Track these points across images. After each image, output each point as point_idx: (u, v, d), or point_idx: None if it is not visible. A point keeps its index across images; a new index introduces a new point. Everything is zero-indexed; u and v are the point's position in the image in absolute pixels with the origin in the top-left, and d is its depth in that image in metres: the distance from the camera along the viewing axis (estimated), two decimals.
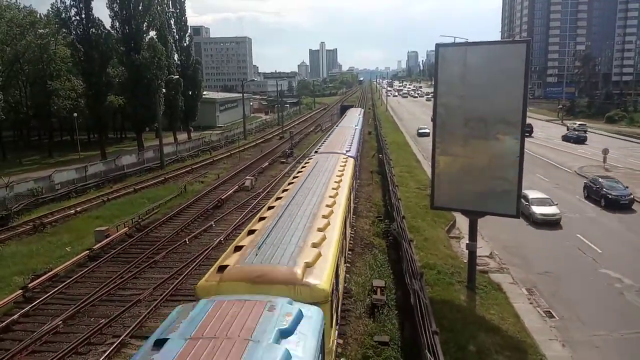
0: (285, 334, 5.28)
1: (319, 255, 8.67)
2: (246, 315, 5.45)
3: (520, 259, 21.09)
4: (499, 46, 15.41)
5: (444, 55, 14.30)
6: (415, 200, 28.58)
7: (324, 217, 11.12)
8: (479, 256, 19.02)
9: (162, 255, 20.80)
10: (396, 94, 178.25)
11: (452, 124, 13.53)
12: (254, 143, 60.80)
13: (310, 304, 6.59)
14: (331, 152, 24.25)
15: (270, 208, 12.85)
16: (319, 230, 10.10)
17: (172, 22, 60.99)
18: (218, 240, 22.29)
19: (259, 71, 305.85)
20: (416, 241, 19.71)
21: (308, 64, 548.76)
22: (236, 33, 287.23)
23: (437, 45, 14.77)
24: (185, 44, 62.98)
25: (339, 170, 17.73)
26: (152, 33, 51.95)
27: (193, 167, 43.21)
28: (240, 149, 53.03)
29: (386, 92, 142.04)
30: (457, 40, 41.90)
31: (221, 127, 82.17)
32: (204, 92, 75.50)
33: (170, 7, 60.70)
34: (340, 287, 11.37)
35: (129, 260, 20.45)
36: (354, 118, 51.84)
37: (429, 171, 32.57)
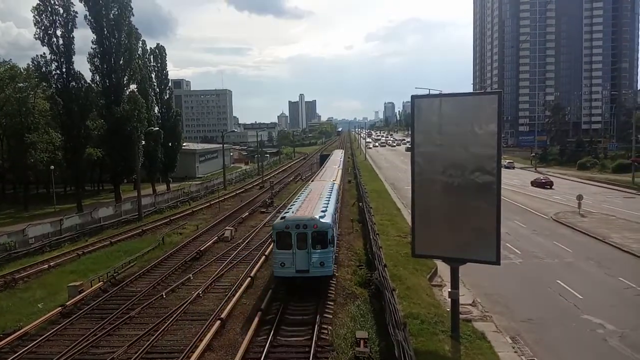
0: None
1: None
2: None
3: (503, 306, 20.99)
4: (471, 97, 15.96)
5: (419, 106, 14.72)
6: (397, 248, 28.53)
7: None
8: (462, 304, 18.86)
9: (138, 310, 20.14)
10: (376, 144, 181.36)
11: (431, 172, 13.77)
12: (234, 193, 60.62)
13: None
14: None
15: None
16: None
17: (153, 76, 61.86)
18: (196, 293, 21.74)
19: (239, 122, 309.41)
20: (398, 290, 19.50)
21: (287, 114, 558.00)
22: (216, 86, 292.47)
23: (413, 97, 15.21)
24: (165, 97, 63.66)
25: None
26: (133, 86, 52.54)
27: (172, 218, 42.66)
28: (220, 199, 52.74)
29: (365, 143, 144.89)
30: (432, 92, 43.28)
31: (201, 177, 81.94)
32: (184, 143, 75.74)
33: (152, 61, 61.76)
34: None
35: (103, 316, 19.73)
36: (333, 168, 53.12)
37: (409, 219, 32.71)
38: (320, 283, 20.43)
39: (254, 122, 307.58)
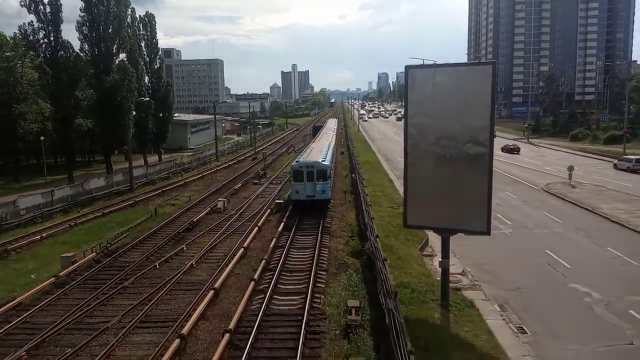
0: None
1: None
2: None
3: (492, 275, 21.32)
4: (465, 68, 15.80)
5: (413, 77, 14.58)
6: (389, 219, 28.73)
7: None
8: (452, 273, 19.13)
9: (131, 280, 20.27)
10: (370, 115, 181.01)
11: (424, 143, 13.76)
12: (227, 164, 60.45)
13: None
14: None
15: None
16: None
17: (143, 45, 60.67)
18: (190, 263, 21.88)
19: (231, 93, 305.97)
20: (390, 260, 19.73)
21: (280, 85, 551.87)
22: (207, 55, 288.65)
23: (407, 67, 15.04)
24: (156, 66, 62.62)
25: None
26: (122, 55, 51.57)
27: (164, 189, 42.59)
28: (213, 170, 52.62)
29: (359, 115, 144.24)
30: (426, 62, 42.91)
31: (193, 148, 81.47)
32: (175, 114, 75.00)
33: (141, 29, 60.50)
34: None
35: (96, 286, 19.84)
36: (328, 134, 58.26)
37: (401, 190, 32.94)
38: (322, 204, 31.42)
39: (246, 92, 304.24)
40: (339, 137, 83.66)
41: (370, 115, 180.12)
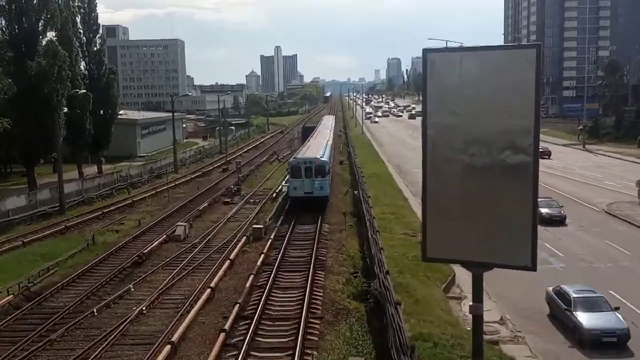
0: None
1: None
2: None
3: (539, 324, 21.34)
4: (502, 52, 15.88)
5: (433, 63, 14.58)
6: (403, 250, 28.79)
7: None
8: (487, 322, 19.14)
9: (61, 332, 20.09)
10: (378, 113, 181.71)
11: (447, 149, 13.70)
12: (189, 177, 60.46)
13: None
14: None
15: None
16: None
17: (78, 20, 60.86)
18: (138, 309, 21.74)
19: (195, 84, 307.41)
20: (405, 304, 19.72)
21: (259, 73, 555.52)
22: (164, 35, 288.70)
23: (425, 51, 15.09)
24: (95, 49, 62.79)
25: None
26: (51, 34, 51.67)
27: (105, 211, 42.44)
28: (170, 185, 52.54)
29: (363, 113, 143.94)
30: (450, 45, 43.41)
31: (144, 156, 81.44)
32: (121, 111, 75.01)
33: (76, 0, 60.78)
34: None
35: (13, 340, 19.64)
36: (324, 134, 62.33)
37: (419, 211, 33.16)
38: (321, 201, 38.73)
39: (214, 83, 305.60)
40: (337, 142, 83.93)
41: (379, 114, 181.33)
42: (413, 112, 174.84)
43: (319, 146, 49.29)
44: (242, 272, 26.68)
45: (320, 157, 41.02)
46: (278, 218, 37.51)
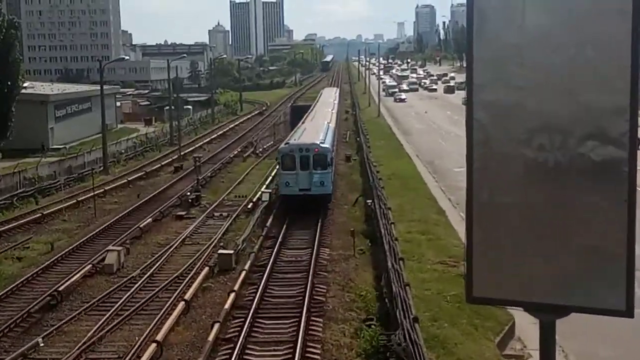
0: None
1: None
2: None
3: None
4: None
5: (483, 13, 14.42)
6: (438, 287, 28.73)
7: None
8: None
9: None
10: (404, 86, 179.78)
11: (504, 139, 13.56)
12: (125, 180, 60.31)
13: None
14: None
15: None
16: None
17: None
18: None
19: (134, 42, 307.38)
20: None
21: (229, 28, 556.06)
22: None
23: None
24: None
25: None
26: None
27: (1, 229, 42.40)
28: (98, 192, 52.47)
29: (380, 86, 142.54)
30: None
31: (59, 150, 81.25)
32: (26, 84, 74.95)
33: None
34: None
35: None
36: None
37: (461, 230, 33.18)
38: (321, 201, 42.25)
39: (162, 42, 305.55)
40: (343, 128, 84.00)
41: (404, 86, 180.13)
42: (452, 83, 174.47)
43: (319, 128, 52.72)
44: (202, 319, 26.69)
45: (321, 142, 44.33)
46: (256, 239, 37.51)
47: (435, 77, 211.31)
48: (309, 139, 46.03)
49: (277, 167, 46.33)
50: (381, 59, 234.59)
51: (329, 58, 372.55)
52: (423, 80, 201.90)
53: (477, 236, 13.04)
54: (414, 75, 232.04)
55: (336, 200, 46.56)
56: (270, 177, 55.78)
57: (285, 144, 46.28)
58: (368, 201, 42.65)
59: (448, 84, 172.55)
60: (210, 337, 24.04)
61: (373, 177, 48.69)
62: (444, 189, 52.51)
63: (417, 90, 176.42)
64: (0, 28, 63.24)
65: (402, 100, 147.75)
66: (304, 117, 69.80)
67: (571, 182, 12.22)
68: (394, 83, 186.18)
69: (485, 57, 12.26)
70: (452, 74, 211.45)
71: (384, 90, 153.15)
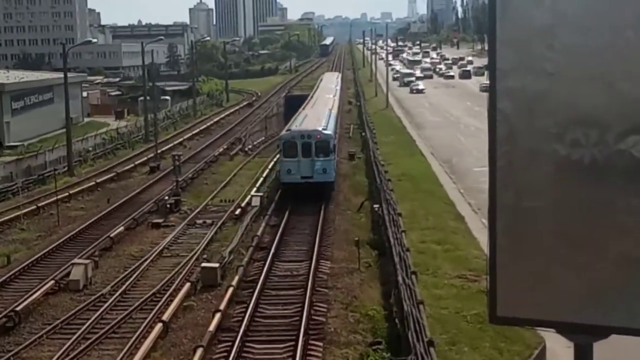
0: None
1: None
2: None
3: None
4: None
5: None
6: (456, 305, 28.72)
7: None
8: None
9: None
10: (418, 72, 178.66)
11: (531, 134, 13.52)
12: (93, 182, 60.26)
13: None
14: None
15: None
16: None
17: None
18: None
19: (102, 23, 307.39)
20: None
21: (212, 6, 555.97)
22: None
23: None
24: None
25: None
26: None
27: None
28: (62, 196, 52.46)
29: (388, 73, 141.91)
30: None
31: (16, 147, 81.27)
32: None
33: None
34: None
35: None
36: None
37: (483, 240, 33.41)
38: (323, 189, 47.07)
39: (135, 23, 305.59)
40: (346, 119, 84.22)
41: (418, 72, 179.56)
42: (469, 68, 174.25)
43: (321, 115, 58.95)
44: (183, 343, 26.72)
45: (323, 129, 50.31)
46: (245, 250, 37.53)
47: (450, 62, 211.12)
48: (311, 125, 51.59)
49: (278, 154, 52.06)
50: (389, 41, 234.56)
51: (328, 40, 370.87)
52: (438, 66, 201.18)
53: (501, 246, 13.07)
54: (427, 60, 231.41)
55: (338, 205, 46.57)
56: (262, 179, 55.79)
57: (287, 130, 52.03)
58: (375, 206, 42.65)
59: (464, 69, 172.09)
60: None
61: (380, 178, 48.60)
62: (463, 192, 52.45)
63: (431, 77, 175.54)
64: None
65: (420, 91, 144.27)
66: (304, 104, 73.11)
67: (609, 182, 12.20)
68: (409, 70, 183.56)
69: (510, 39, 12.28)
70: (471, 57, 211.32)
71: (396, 79, 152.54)
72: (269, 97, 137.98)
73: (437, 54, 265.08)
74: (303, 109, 68.98)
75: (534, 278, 12.58)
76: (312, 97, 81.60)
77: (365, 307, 29.25)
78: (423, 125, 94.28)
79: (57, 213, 48.51)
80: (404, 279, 26.94)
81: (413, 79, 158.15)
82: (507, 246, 12.86)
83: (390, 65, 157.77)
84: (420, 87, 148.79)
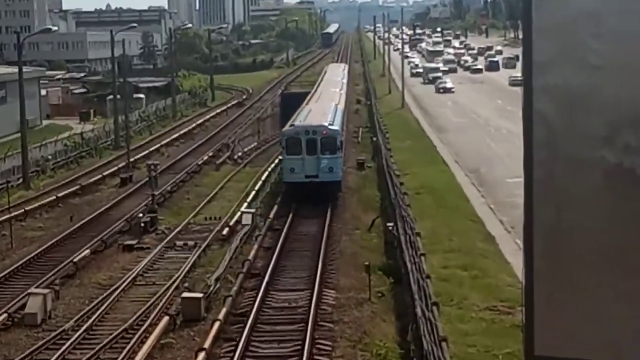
0: None
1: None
2: None
3: None
4: None
5: None
6: (485, 342, 28.77)
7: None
8: None
9: None
10: (442, 66, 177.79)
11: (575, 139, 13.40)
12: (53, 197, 60.25)
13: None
14: None
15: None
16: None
17: None
18: None
19: (64, 8, 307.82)
20: None
21: None
22: None
23: None
24: None
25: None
26: None
27: None
28: (16, 212, 52.47)
29: (404, 66, 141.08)
30: None
31: None
32: None
33: None
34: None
35: None
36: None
37: (517, 264, 33.38)
38: (330, 189, 50.51)
39: (103, 7, 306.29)
40: (350, 121, 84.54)
41: (441, 65, 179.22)
42: (497, 59, 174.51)
43: (326, 109, 63.98)
44: None
45: (329, 124, 54.85)
46: (235, 277, 37.48)
47: (476, 52, 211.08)
48: (316, 120, 56.22)
49: (281, 151, 55.41)
50: (405, 28, 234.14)
51: (332, 28, 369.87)
52: (463, 58, 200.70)
53: (539, 272, 12.95)
54: (450, 50, 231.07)
55: (344, 224, 46.48)
56: (254, 192, 55.73)
57: (290, 125, 56.35)
58: (389, 224, 42.61)
59: (492, 59, 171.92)
60: None
61: (395, 191, 48.46)
62: (494, 207, 52.43)
63: (455, 71, 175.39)
64: None
65: (448, 90, 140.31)
66: (307, 98, 77.27)
67: None
68: (435, 64, 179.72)
69: (548, 26, 12.18)
70: (500, 48, 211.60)
71: (416, 74, 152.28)
72: (262, 95, 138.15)
73: (461, 42, 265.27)
74: (307, 103, 73.56)
75: (578, 311, 12.41)
76: (316, 90, 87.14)
77: (378, 346, 29.21)
78: (445, 128, 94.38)
79: (10, 234, 48.48)
80: (424, 312, 26.89)
81: (440, 74, 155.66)
82: (547, 272, 12.73)
83: (407, 57, 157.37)
84: (448, 85, 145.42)
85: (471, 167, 67.53)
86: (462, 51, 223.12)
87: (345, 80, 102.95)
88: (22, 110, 72.34)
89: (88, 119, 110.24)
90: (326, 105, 66.90)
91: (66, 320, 33.13)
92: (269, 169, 63.21)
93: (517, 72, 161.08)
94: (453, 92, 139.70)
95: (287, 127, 56.66)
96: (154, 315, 33.07)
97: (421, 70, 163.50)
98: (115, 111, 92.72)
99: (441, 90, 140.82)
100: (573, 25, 11.85)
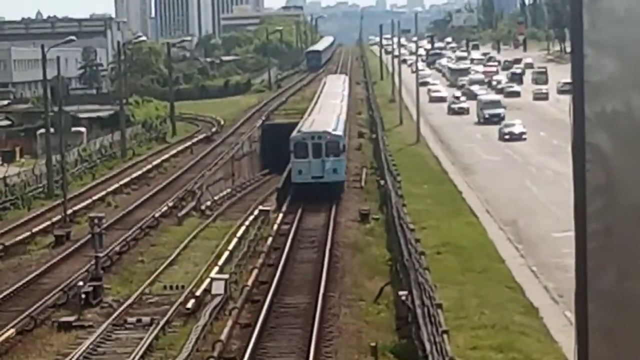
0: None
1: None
2: None
3: None
4: None
5: None
6: None
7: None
8: None
9: None
10: (467, 85, 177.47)
11: (639, 182, 13.48)
12: None
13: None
14: None
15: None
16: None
17: None
18: None
19: None
20: None
21: None
22: None
23: None
24: None
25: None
26: None
27: None
28: None
29: (418, 88, 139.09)
30: None
31: None
32: None
33: None
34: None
35: None
36: None
37: (568, 344, 33.75)
38: (334, 189, 76.83)
39: (32, 15, 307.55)
40: (351, 157, 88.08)
41: (466, 82, 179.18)
42: (535, 76, 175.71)
43: (329, 117, 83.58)
44: None
45: (333, 130, 73.25)
46: None
47: (514, 68, 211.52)
48: (321, 127, 73.14)
49: (291, 155, 70.67)
50: (417, 42, 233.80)
51: (324, 43, 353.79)
52: (495, 77, 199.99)
53: (596, 355, 12.99)
54: (479, 69, 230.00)
55: (344, 292, 46.48)
56: (227, 253, 55.63)
57: (298, 131, 72.09)
58: (401, 294, 42.64)
59: (514, 72, 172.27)
60: None
61: (409, 250, 48.40)
62: (536, 270, 52.47)
63: (485, 91, 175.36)
64: None
65: (518, 138, 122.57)
66: (309, 108, 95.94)
67: None
68: (493, 96, 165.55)
69: (604, 38, 12.22)
70: (544, 65, 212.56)
71: (439, 99, 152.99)
72: (236, 127, 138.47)
73: (487, 56, 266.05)
74: (312, 109, 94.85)
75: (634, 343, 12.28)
76: (315, 103, 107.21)
77: None
78: (473, 169, 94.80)
79: None
80: None
81: (501, 112, 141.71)
82: (606, 355, 12.74)
83: (423, 77, 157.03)
84: (517, 129, 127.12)
85: (507, 219, 67.66)
86: (494, 69, 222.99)
87: (346, 92, 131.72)
88: None
89: (13, 159, 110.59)
90: (329, 114, 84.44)
91: None
92: (246, 223, 63.19)
93: (549, 88, 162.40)
94: (525, 138, 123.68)
95: (294, 134, 72.04)
96: None
97: (443, 94, 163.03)
98: (48, 149, 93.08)
99: (506, 137, 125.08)
100: (630, 34, 11.81)
